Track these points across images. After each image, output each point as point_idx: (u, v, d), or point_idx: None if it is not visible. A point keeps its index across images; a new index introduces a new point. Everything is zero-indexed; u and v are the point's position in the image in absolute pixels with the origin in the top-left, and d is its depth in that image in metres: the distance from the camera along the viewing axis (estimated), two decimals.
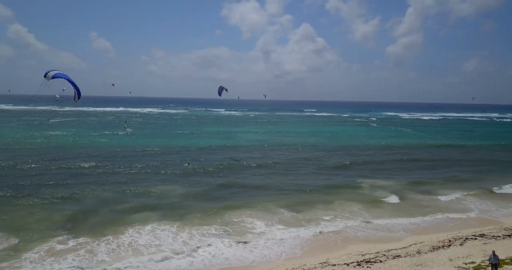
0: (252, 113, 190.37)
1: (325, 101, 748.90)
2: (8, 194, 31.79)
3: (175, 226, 26.32)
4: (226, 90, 60.92)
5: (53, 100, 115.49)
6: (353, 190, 37.23)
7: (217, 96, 64.94)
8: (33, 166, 43.95)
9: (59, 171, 41.76)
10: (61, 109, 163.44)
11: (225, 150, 60.28)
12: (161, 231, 25.58)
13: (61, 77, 29.80)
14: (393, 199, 34.61)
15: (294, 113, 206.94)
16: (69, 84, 32.81)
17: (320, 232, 26.18)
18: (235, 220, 27.98)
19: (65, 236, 23.79)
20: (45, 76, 28.46)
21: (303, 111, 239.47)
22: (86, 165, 45.14)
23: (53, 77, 28.95)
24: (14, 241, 22.81)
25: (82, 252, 21.80)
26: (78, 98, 30.50)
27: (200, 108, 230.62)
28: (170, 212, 29.24)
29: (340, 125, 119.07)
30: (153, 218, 27.61)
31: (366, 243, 24.60)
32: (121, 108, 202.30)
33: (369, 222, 28.39)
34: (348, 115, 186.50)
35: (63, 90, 65.28)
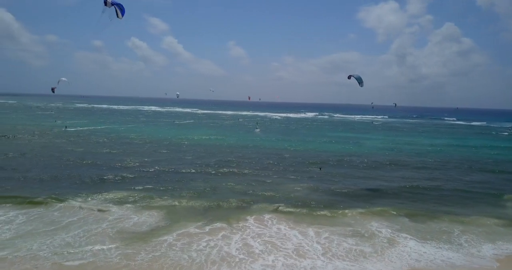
0: (380, 119, 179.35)
1: (468, 108, 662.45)
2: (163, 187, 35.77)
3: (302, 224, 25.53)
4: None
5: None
6: None
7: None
8: (187, 159, 48.63)
9: (200, 166, 45.47)
10: (196, 111, 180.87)
11: (353, 157, 57.30)
12: (289, 228, 25.10)
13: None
14: None
15: (433, 121, 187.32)
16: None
17: None
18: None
19: (202, 222, 25.73)
20: (105, 3, 29.58)
21: (442, 119, 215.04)
22: (213, 160, 47.95)
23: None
24: (162, 223, 25.79)
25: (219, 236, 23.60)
26: (122, 15, 30.90)
27: (330, 114, 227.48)
28: (296, 210, 29.18)
29: (498, 140, 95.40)
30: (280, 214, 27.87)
31: None
32: (250, 112, 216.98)
33: None
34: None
35: (178, 95, 74.00)
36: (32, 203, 29.26)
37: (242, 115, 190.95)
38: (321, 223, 26.72)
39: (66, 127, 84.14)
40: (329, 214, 28.67)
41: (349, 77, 40.80)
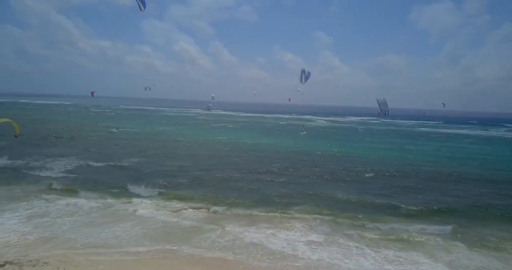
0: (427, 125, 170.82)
1: None
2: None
3: None
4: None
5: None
6: None
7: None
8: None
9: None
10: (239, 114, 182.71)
11: (406, 165, 55.06)
12: (333, 231, 24.80)
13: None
14: None
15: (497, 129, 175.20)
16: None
17: None
18: None
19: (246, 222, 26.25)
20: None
21: (502, 126, 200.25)
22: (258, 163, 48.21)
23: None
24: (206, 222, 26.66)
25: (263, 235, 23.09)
26: (144, 7, 31.48)
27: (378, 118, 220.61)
28: (339, 216, 28.63)
29: None
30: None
31: None
32: (293, 116, 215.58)
33: None
34: None
35: (212, 101, 76.75)
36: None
37: (285, 118, 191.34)
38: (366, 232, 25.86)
39: (118, 129, 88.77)
40: (371, 225, 27.36)
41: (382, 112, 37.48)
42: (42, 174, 41.04)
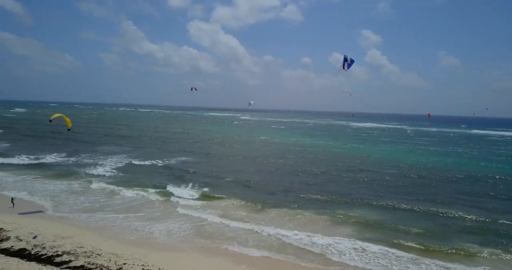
0: None
1: None
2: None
3: None
4: None
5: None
6: None
7: None
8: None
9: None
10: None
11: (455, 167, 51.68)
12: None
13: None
14: None
15: None
16: None
17: None
18: None
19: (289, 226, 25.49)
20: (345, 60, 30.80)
21: None
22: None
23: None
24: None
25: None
26: (348, 68, 31.64)
27: None
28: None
29: None
30: None
31: None
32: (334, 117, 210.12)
33: None
34: None
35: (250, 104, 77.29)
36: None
37: (328, 119, 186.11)
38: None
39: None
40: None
41: None
42: (100, 169, 43.72)
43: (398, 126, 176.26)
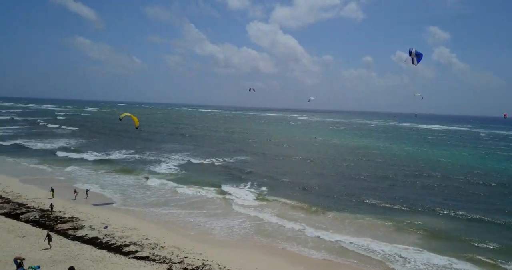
0: None
1: None
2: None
3: None
4: None
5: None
6: None
7: None
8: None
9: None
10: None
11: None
12: None
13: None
14: None
15: None
16: None
17: None
18: None
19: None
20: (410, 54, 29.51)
21: None
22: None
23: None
24: None
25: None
26: (418, 62, 30.12)
27: None
28: None
29: None
30: None
31: None
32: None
33: None
34: None
35: (310, 100, 74.84)
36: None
37: (390, 120, 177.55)
38: None
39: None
40: None
41: None
42: (163, 166, 46.07)
43: (469, 129, 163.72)
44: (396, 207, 30.87)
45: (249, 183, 37.84)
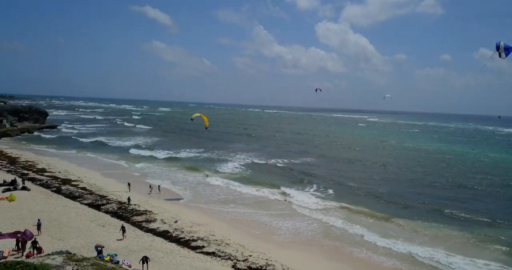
0: None
1: None
2: None
3: None
4: None
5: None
6: None
7: None
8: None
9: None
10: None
11: None
12: None
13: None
14: None
15: None
16: None
17: None
18: None
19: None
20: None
21: None
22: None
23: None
24: None
25: None
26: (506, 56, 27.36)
27: None
28: None
29: None
30: None
31: None
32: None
33: None
34: None
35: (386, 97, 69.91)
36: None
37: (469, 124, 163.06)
38: None
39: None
40: None
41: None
42: (230, 165, 47.31)
43: None
44: (477, 218, 28.28)
45: (314, 186, 37.23)
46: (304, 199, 32.30)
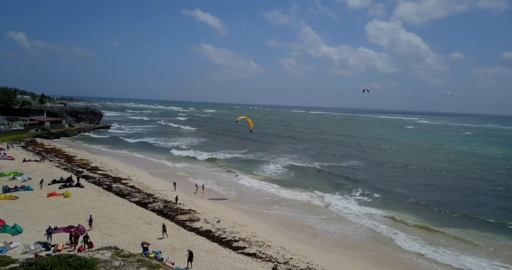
0: None
1: None
2: None
3: None
4: None
5: None
6: None
7: None
8: None
9: None
10: None
11: None
12: None
13: None
14: None
15: None
16: None
17: None
18: None
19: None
20: None
21: None
22: None
23: None
24: None
25: None
26: None
27: None
28: None
29: None
30: None
31: None
32: None
33: None
34: None
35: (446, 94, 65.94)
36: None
37: None
38: None
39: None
40: None
41: None
42: (272, 167, 47.46)
43: None
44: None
45: (359, 191, 36.12)
46: (348, 205, 31.39)
